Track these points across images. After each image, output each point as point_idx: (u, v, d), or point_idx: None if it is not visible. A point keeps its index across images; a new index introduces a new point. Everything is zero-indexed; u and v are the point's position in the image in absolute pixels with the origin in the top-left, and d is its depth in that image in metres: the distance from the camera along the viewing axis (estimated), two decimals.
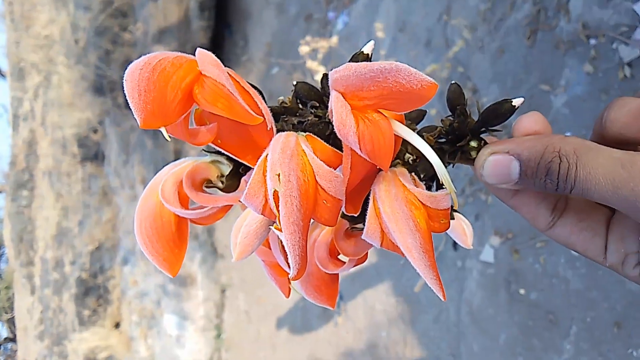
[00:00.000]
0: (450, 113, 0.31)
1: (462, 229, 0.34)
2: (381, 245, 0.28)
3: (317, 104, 0.30)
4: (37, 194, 5.46)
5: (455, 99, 0.30)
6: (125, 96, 0.24)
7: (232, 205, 0.30)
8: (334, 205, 0.26)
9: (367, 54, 0.30)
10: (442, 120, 0.31)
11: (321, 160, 0.26)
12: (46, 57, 4.71)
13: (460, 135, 0.30)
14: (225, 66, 0.27)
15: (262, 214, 0.26)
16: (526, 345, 1.74)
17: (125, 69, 0.25)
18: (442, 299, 0.27)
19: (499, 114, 0.28)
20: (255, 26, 4.17)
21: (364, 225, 0.28)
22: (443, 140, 0.31)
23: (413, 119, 0.34)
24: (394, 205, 0.27)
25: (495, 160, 0.29)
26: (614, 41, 1.55)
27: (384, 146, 0.25)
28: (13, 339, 7.08)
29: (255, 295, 3.96)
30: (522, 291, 1.76)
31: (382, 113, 0.26)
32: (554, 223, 0.32)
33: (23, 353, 6.09)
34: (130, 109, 0.22)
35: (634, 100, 0.28)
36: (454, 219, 0.30)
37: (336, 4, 3.13)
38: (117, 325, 5.31)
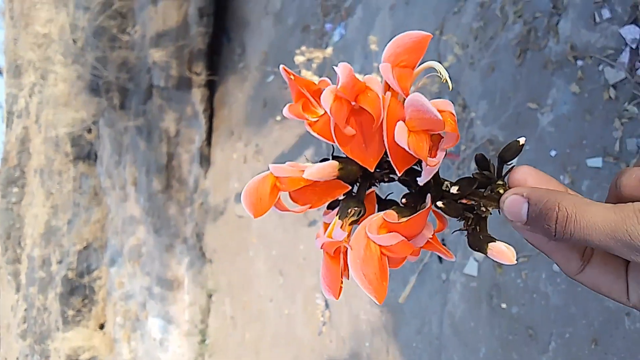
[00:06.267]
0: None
1: (500, 250, 0.37)
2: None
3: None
4: (28, 191, 5.44)
5: (482, 166, 0.39)
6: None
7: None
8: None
9: None
10: (474, 174, 0.39)
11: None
12: (43, 56, 4.72)
13: (489, 184, 0.38)
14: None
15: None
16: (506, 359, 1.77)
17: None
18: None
19: (513, 151, 0.37)
20: (253, 35, 4.21)
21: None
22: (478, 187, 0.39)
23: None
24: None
25: (512, 199, 0.34)
26: (600, 63, 1.60)
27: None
28: None
29: (241, 301, 3.96)
30: (503, 305, 1.79)
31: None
32: (583, 267, 0.35)
33: (5, 351, 6.04)
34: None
35: (638, 169, 0.32)
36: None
37: (334, 16, 3.18)
38: (101, 326, 5.28)
